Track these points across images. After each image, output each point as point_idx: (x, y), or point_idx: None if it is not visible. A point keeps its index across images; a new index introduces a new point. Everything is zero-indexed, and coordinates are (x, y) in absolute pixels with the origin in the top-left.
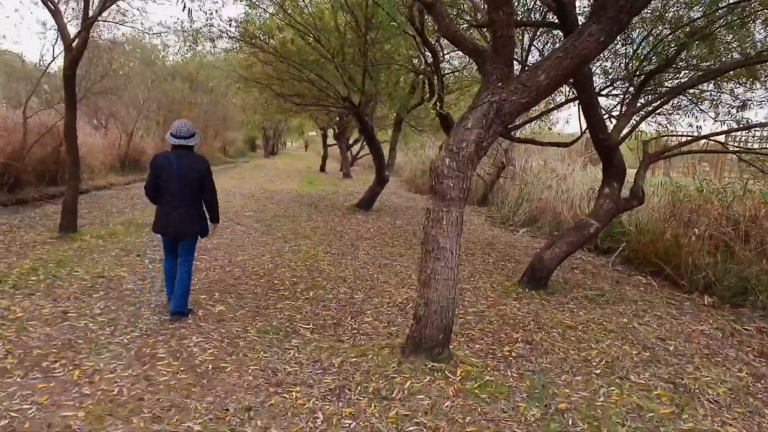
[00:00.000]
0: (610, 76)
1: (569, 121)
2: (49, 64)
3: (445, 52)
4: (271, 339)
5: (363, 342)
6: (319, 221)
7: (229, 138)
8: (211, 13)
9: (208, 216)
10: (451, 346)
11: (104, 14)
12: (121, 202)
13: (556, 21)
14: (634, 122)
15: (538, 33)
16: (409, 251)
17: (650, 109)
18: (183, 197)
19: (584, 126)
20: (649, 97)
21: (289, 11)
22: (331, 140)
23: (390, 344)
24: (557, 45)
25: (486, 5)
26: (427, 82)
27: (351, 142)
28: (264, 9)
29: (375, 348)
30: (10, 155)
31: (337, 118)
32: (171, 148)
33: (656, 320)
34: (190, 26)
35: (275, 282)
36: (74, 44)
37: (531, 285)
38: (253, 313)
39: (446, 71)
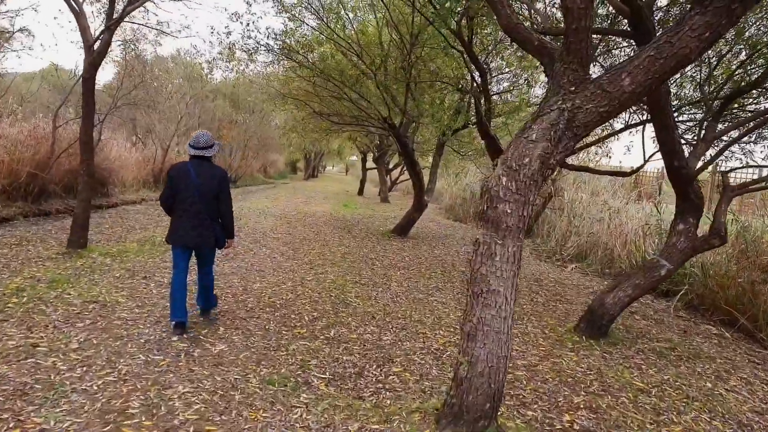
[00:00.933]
0: (680, 100)
1: (630, 149)
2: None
3: (493, 75)
4: (275, 392)
5: (388, 401)
6: (350, 246)
7: (270, 159)
8: (248, 25)
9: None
10: (498, 413)
11: (134, 14)
12: (146, 218)
13: (627, 29)
14: (713, 151)
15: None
16: (448, 285)
17: (735, 136)
18: (198, 207)
19: (648, 152)
20: (727, 123)
21: (331, 26)
22: (370, 164)
23: (422, 408)
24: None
25: None
26: (474, 102)
27: (391, 166)
28: (304, 22)
29: (403, 412)
30: (36, 165)
31: (377, 141)
32: (189, 158)
33: (745, 386)
34: (227, 38)
35: (292, 316)
36: (95, 46)
37: (589, 332)
38: (260, 356)
39: (494, 93)
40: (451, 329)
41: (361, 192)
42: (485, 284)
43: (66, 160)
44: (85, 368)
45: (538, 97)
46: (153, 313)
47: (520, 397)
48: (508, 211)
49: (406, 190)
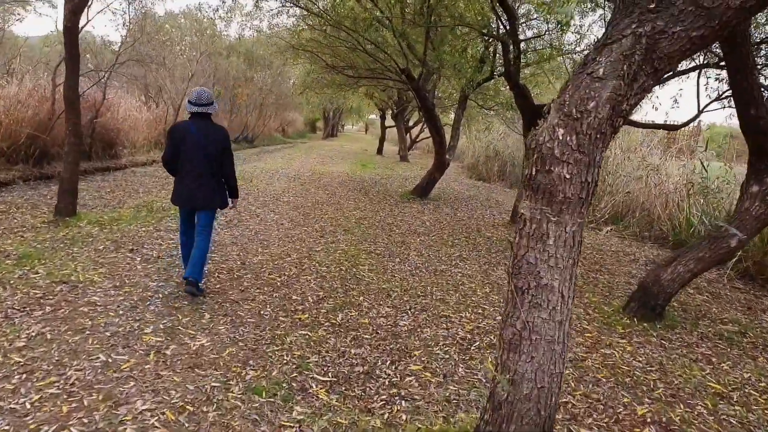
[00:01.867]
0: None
1: (678, 99)
2: (83, 27)
3: (522, 21)
4: (261, 406)
5: (404, 415)
6: (366, 210)
7: (289, 118)
8: None
9: (227, 190)
10: None
11: None
12: (153, 180)
13: None
14: None
15: None
16: (473, 254)
17: None
18: (201, 167)
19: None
20: None
21: None
22: (389, 122)
23: (446, 430)
24: None
25: None
26: (501, 49)
27: (411, 124)
28: None
29: None
30: (37, 126)
31: (396, 97)
32: (190, 117)
33: None
34: None
35: (294, 298)
36: None
37: (641, 314)
38: (248, 353)
39: (522, 39)
40: (480, 311)
41: (380, 151)
42: (534, 277)
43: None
44: (24, 375)
45: (571, 44)
46: (131, 296)
47: (570, 406)
48: (567, 175)
49: (427, 149)
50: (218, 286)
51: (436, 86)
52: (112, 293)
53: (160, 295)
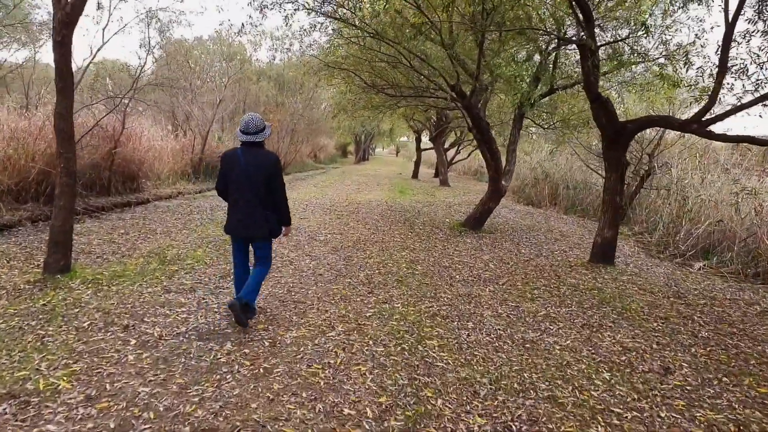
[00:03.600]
0: None
1: None
2: (96, 52)
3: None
4: None
5: None
6: (416, 249)
7: (320, 143)
8: None
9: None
10: None
11: None
12: (174, 217)
13: None
14: None
15: None
16: (563, 311)
17: None
18: (250, 195)
19: None
20: None
21: None
22: (425, 144)
23: None
24: None
25: None
26: (579, 55)
27: (447, 145)
28: None
29: None
30: (49, 161)
31: (434, 118)
32: (240, 144)
33: None
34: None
35: (345, 412)
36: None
37: None
38: None
39: (602, 44)
40: (614, 420)
41: (415, 175)
42: None
43: (86, 152)
44: None
45: (656, 49)
46: (107, 416)
47: None
48: None
49: (463, 170)
50: (237, 390)
51: (487, 104)
52: (80, 414)
53: (152, 413)
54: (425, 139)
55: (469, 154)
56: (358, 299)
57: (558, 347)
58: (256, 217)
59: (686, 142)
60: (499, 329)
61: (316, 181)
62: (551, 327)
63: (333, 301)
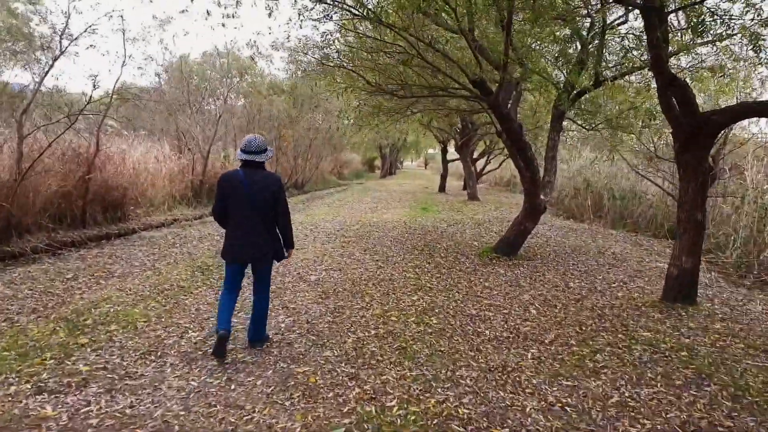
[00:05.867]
0: None
1: None
2: (56, 58)
3: None
4: None
5: None
6: (433, 289)
7: (344, 159)
8: None
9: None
10: None
11: None
12: (150, 251)
13: None
14: None
15: None
16: (642, 391)
17: None
18: (255, 217)
19: None
20: None
21: None
22: (452, 155)
23: None
24: None
25: None
26: (644, 25)
27: (475, 155)
28: None
29: None
30: None
31: (459, 125)
32: (241, 165)
33: None
34: None
35: None
36: None
37: None
38: None
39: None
40: None
41: (442, 188)
42: None
43: (55, 180)
44: None
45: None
46: None
47: None
48: None
49: (494, 181)
50: None
51: (518, 102)
52: None
53: None
54: (452, 150)
55: (500, 164)
56: (331, 395)
57: None
58: (261, 240)
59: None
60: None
61: (332, 199)
62: (628, 411)
63: (286, 405)
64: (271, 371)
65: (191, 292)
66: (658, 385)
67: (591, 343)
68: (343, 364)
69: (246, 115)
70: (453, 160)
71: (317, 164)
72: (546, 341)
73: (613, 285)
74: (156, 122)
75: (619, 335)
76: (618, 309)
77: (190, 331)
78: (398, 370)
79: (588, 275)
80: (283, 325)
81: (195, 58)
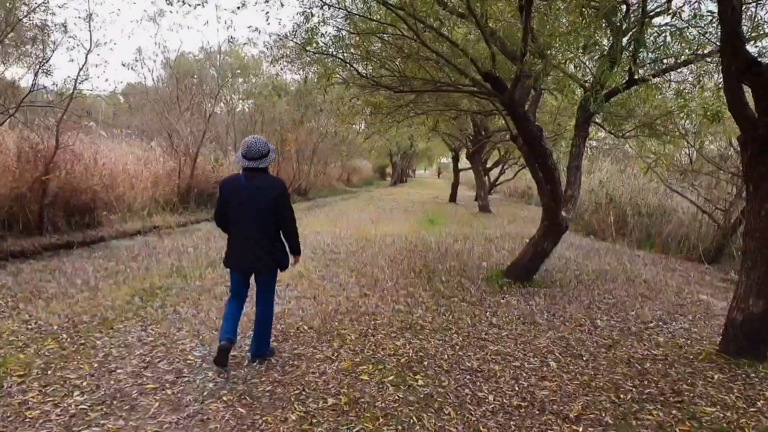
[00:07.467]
0: None
1: None
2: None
3: None
4: None
5: None
6: (427, 329)
7: (353, 166)
8: None
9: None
10: None
11: None
12: (106, 265)
13: None
14: None
15: None
16: None
17: None
18: (253, 226)
19: None
20: None
21: None
22: (464, 163)
23: None
24: None
25: None
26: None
27: (489, 165)
28: None
29: None
30: None
31: (471, 131)
32: (242, 170)
33: None
34: None
35: None
36: None
37: None
38: None
39: None
40: None
41: (453, 198)
42: None
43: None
44: None
45: None
46: None
47: None
48: None
49: (509, 192)
50: None
51: (538, 103)
52: None
53: None
54: (464, 158)
55: (515, 174)
56: None
57: None
58: (261, 249)
59: None
60: None
61: (334, 208)
62: None
63: None
64: None
65: (112, 327)
66: None
67: (635, 423)
68: None
69: (247, 118)
70: (465, 169)
71: (323, 170)
72: (571, 416)
73: (650, 325)
74: (152, 122)
75: (673, 411)
76: (663, 363)
77: (74, 394)
78: None
79: (618, 310)
80: (206, 391)
81: (189, 52)
